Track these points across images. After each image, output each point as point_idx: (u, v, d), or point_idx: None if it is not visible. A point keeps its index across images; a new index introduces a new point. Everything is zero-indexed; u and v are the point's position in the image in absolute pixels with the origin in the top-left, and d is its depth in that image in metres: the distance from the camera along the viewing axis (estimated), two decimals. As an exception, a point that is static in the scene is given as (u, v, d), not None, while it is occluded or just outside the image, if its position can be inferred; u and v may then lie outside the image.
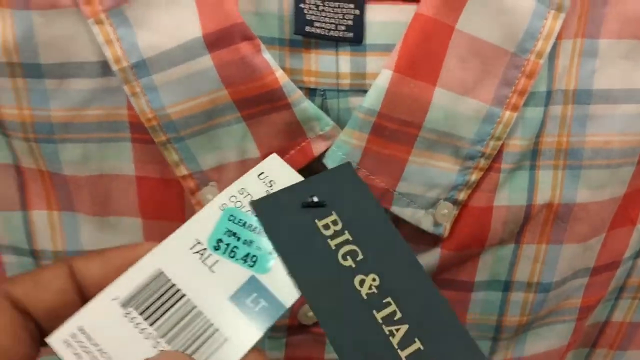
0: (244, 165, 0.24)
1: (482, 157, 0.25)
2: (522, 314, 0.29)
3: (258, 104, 0.22)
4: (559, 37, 0.23)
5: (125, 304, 0.18)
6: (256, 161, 0.24)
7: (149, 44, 0.22)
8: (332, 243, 0.20)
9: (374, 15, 0.23)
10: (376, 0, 0.23)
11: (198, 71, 0.22)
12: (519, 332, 0.30)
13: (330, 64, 0.23)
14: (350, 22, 0.23)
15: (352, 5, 0.23)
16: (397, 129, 0.23)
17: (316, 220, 0.20)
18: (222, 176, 0.24)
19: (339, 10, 0.23)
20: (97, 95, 0.24)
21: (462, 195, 0.25)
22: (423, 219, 0.25)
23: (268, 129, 0.23)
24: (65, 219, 0.27)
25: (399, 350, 0.18)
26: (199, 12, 0.21)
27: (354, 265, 0.19)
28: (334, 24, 0.23)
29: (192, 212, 0.26)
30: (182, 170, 0.24)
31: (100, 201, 0.26)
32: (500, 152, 0.25)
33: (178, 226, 0.27)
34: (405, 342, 0.18)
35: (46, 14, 0.22)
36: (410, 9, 0.23)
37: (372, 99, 0.22)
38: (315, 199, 0.20)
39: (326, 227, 0.20)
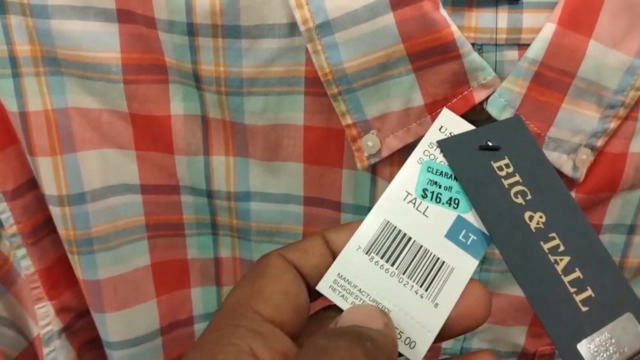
0: (407, 114, 0.27)
1: (621, 106, 0.27)
2: None
3: (430, 56, 0.25)
4: None
5: (367, 251, 0.22)
6: (419, 109, 0.27)
7: (335, 5, 0.25)
8: (506, 182, 0.23)
9: None
10: None
11: (379, 28, 0.25)
12: (639, 272, 0.32)
13: (489, 21, 0.26)
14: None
15: None
16: (554, 77, 0.26)
17: (492, 162, 0.23)
18: (384, 125, 0.28)
19: None
20: (281, 53, 0.27)
21: (600, 142, 0.28)
22: (565, 163, 0.28)
23: (435, 79, 0.26)
24: (239, 164, 0.31)
25: (562, 276, 0.21)
26: None
27: (523, 203, 0.23)
28: None
29: (350, 159, 0.30)
30: (348, 120, 0.28)
31: (271, 148, 0.30)
32: (638, 101, 0.27)
33: (334, 171, 0.31)
34: (567, 270, 0.22)
35: None
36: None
37: (537, 50, 0.25)
38: (490, 144, 0.23)
39: (500, 168, 0.23)
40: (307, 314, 0.22)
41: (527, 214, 0.22)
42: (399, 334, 0.21)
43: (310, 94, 0.28)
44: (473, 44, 0.26)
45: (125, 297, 0.33)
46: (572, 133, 0.27)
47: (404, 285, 0.22)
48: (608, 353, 0.21)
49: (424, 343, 0.21)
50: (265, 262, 0.22)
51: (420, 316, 0.21)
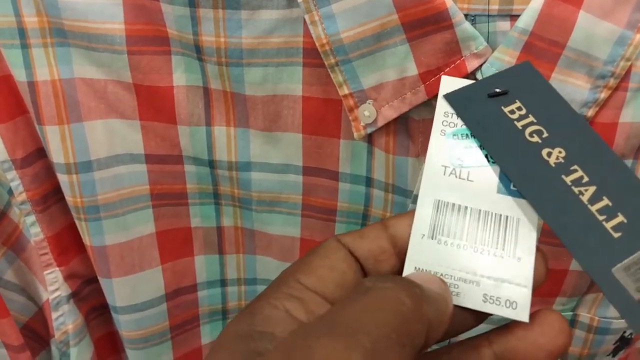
0: (401, 83, 0.28)
1: (611, 76, 0.27)
2: None
3: (423, 26, 0.26)
4: None
5: (432, 236, 0.22)
6: (413, 78, 0.28)
7: None
8: (519, 124, 0.23)
9: None
10: None
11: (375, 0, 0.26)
12: None
13: None
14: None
15: None
16: (544, 47, 0.26)
17: (502, 107, 0.23)
18: (380, 94, 0.29)
19: None
20: (280, 24, 0.28)
21: (590, 112, 0.28)
22: None
23: (428, 48, 0.27)
24: (240, 134, 0.32)
25: (588, 205, 0.21)
26: None
27: (540, 141, 0.23)
28: None
29: (347, 130, 0.31)
30: (344, 90, 0.29)
31: (270, 118, 0.31)
32: (628, 72, 0.28)
33: (332, 141, 0.32)
34: (594, 199, 0.21)
35: None
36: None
37: (527, 20, 0.26)
38: (498, 90, 0.24)
39: (512, 112, 0.23)
40: None
41: (544, 151, 0.22)
42: (496, 300, 0.21)
43: (308, 65, 0.29)
44: (466, 15, 0.27)
45: (131, 264, 0.34)
46: None
47: (481, 253, 0.21)
48: None
49: (524, 300, 0.21)
50: (321, 245, 0.22)
51: (508, 276, 0.21)
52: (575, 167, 0.22)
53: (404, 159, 0.31)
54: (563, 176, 0.22)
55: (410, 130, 0.30)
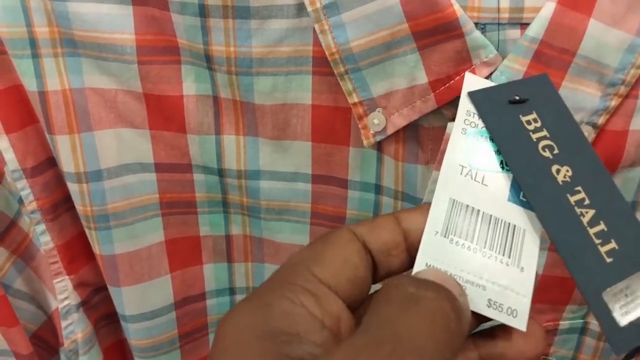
0: (411, 91, 0.28)
1: (622, 84, 0.27)
2: None
3: (433, 35, 0.26)
4: None
5: (445, 234, 0.22)
6: (423, 87, 0.28)
7: None
8: (534, 136, 0.23)
9: None
10: None
11: (384, 7, 0.26)
12: None
13: (491, 0, 0.27)
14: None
15: None
16: (555, 55, 0.26)
17: (520, 116, 0.24)
18: (390, 102, 0.29)
19: None
20: (289, 33, 0.28)
21: (601, 120, 0.28)
22: None
23: (438, 57, 0.27)
24: (249, 143, 0.32)
25: (587, 228, 0.22)
26: None
27: (551, 157, 0.23)
28: None
29: (356, 137, 0.31)
30: (354, 98, 0.29)
31: (280, 127, 0.31)
32: (638, 80, 0.28)
33: (341, 149, 0.32)
34: (592, 223, 0.22)
35: None
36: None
37: (537, 28, 0.26)
38: (518, 98, 0.24)
39: (528, 122, 0.24)
40: (367, 289, 0.21)
41: (554, 167, 0.23)
42: (499, 307, 0.21)
43: (317, 74, 0.29)
44: (476, 24, 0.27)
45: (140, 272, 0.34)
46: (574, 110, 0.28)
47: (488, 258, 0.21)
48: (633, 303, 0.21)
49: (524, 309, 0.21)
50: (333, 233, 0.21)
51: (512, 284, 0.21)
52: (579, 188, 0.23)
53: (413, 166, 0.31)
54: (568, 195, 0.22)
55: (419, 137, 0.30)
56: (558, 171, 0.23)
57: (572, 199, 0.22)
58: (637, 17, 0.26)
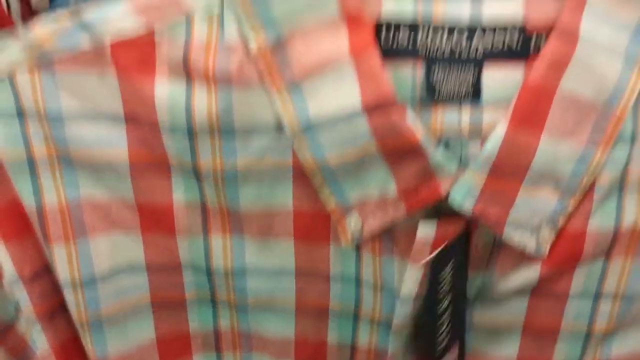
0: (383, 201, 0.30)
1: (577, 189, 0.30)
2: (609, 322, 0.34)
3: (400, 154, 0.29)
4: None
5: None
6: (393, 198, 0.30)
7: (317, 112, 0.28)
8: None
9: (489, 74, 0.29)
10: (491, 61, 0.29)
11: (356, 131, 0.28)
12: (607, 336, 0.35)
13: (453, 118, 0.30)
14: (471, 83, 0.29)
15: (472, 69, 0.29)
16: (510, 170, 0.29)
17: None
18: (364, 209, 0.31)
19: (462, 75, 0.29)
20: (271, 147, 0.30)
21: (560, 222, 0.31)
22: (528, 243, 0.31)
23: (406, 172, 0.29)
24: (235, 241, 0.34)
25: None
26: (360, 87, 0.28)
27: None
28: (457, 86, 0.29)
29: (336, 236, 0.33)
30: (332, 204, 0.31)
31: (264, 229, 0.33)
32: (593, 184, 0.30)
33: (322, 247, 0.34)
34: None
35: (241, 89, 0.29)
36: (518, 67, 0.29)
37: (491, 147, 0.28)
38: None
39: None
40: None
41: None
42: None
43: (297, 183, 0.32)
44: (440, 139, 0.30)
45: (133, 369, 0.36)
46: (531, 215, 0.30)
47: None
48: None
49: None
50: None
51: None
52: None
53: (389, 259, 0.33)
54: None
55: (394, 233, 0.32)
56: None
57: None
58: (586, 130, 0.29)
